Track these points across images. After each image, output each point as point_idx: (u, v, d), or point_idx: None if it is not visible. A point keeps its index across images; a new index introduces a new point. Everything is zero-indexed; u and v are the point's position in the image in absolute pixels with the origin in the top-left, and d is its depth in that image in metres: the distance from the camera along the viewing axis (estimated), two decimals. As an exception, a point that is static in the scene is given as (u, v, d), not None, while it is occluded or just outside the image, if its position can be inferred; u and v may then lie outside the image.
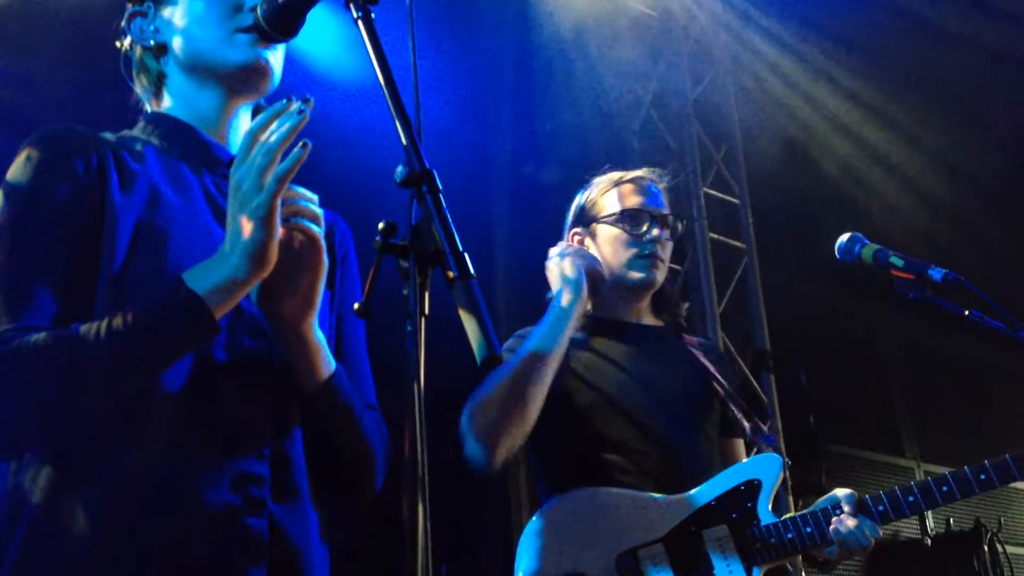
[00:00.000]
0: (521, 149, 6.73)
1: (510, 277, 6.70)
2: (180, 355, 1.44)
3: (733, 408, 2.64)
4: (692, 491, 2.47)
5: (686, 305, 2.86)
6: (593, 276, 2.62)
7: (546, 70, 6.34)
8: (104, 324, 1.38)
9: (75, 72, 4.72)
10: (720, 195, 6.56)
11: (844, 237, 2.61)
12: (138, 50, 1.77)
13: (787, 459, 2.53)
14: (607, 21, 6.29)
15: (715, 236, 6.40)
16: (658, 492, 2.46)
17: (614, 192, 2.74)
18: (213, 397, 1.49)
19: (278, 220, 1.41)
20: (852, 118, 6.76)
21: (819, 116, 6.74)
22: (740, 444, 2.74)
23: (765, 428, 2.63)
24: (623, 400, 2.54)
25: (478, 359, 1.08)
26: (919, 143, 6.89)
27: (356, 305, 1.19)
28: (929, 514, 7.94)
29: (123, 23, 1.79)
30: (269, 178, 1.38)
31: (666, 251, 2.71)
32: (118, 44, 1.81)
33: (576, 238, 2.76)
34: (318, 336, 1.55)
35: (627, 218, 2.68)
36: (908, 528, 7.85)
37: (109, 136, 1.64)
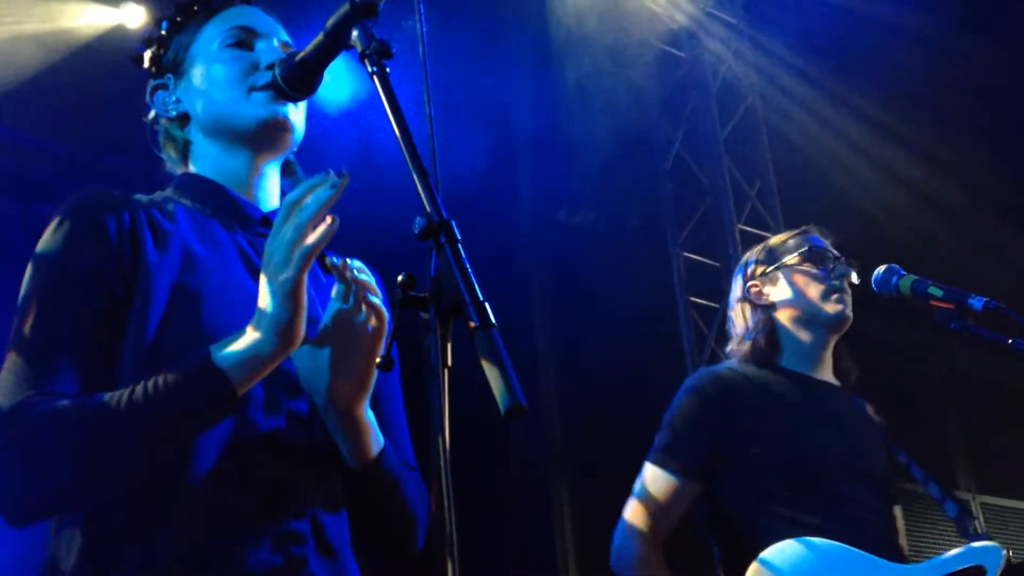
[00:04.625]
0: (552, 194, 6.75)
1: (548, 321, 6.68)
2: (203, 428, 1.43)
3: (917, 476, 2.61)
4: (915, 566, 2.40)
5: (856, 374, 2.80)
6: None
7: (573, 114, 6.38)
8: (127, 393, 1.38)
9: (106, 142, 4.82)
10: (756, 231, 6.51)
11: (880, 269, 2.57)
12: (163, 122, 1.81)
13: (1009, 552, 2.45)
14: (633, 63, 6.32)
15: (753, 272, 6.35)
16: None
17: (791, 242, 2.77)
18: (253, 458, 1.48)
19: (304, 296, 1.40)
20: (881, 148, 6.72)
21: (850, 148, 6.70)
22: (899, 511, 2.65)
23: (965, 512, 2.54)
24: (819, 459, 2.47)
25: (502, 410, 1.06)
26: (954, 172, 6.83)
27: (377, 359, 1.19)
28: None
29: (146, 98, 1.82)
30: (296, 254, 1.37)
31: (850, 290, 2.70)
32: (144, 119, 1.85)
33: (755, 288, 2.75)
34: (368, 416, 1.54)
35: (814, 255, 2.70)
36: None
37: (142, 198, 1.66)
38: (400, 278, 1.17)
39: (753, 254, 2.84)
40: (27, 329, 1.48)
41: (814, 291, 2.66)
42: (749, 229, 6.49)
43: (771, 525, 2.41)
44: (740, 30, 6.55)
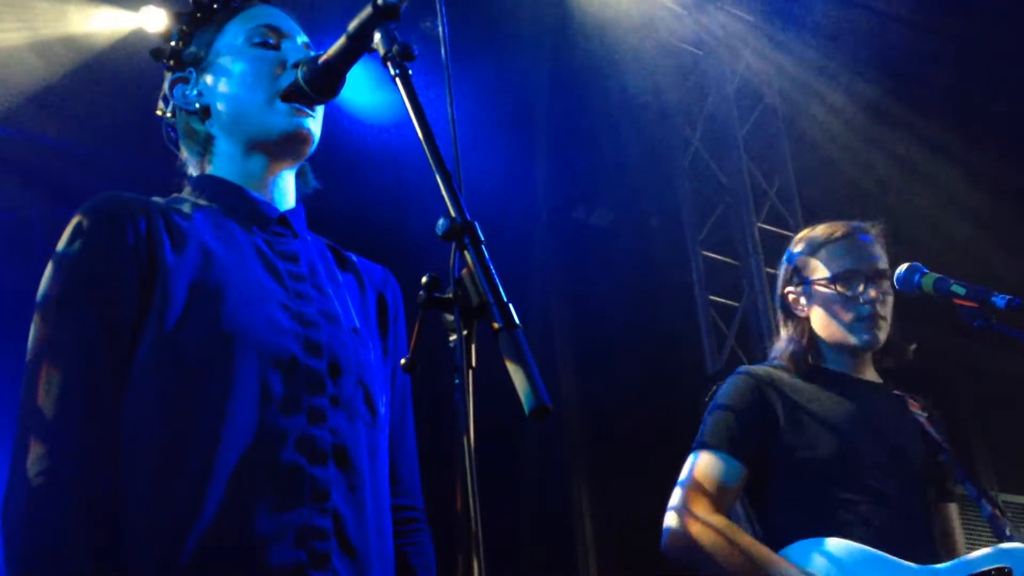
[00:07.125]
0: (569, 193, 6.75)
1: (566, 321, 6.68)
2: None
3: (957, 475, 2.57)
4: (940, 566, 2.38)
5: (911, 347, 2.76)
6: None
7: (591, 112, 6.37)
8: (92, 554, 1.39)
9: (126, 144, 4.86)
10: (775, 229, 6.49)
11: (903, 267, 2.55)
12: (182, 115, 1.80)
13: None
14: (651, 61, 6.32)
15: (772, 271, 6.33)
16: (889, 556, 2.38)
17: (823, 252, 2.65)
18: (273, 453, 1.49)
19: None
20: (901, 145, 6.68)
21: (869, 146, 6.67)
22: (954, 509, 2.65)
23: (1000, 513, 2.49)
24: (855, 458, 2.46)
25: (526, 410, 1.07)
26: (976, 169, 6.78)
27: (403, 361, 1.19)
28: None
29: (164, 90, 1.82)
30: None
31: (887, 307, 2.62)
32: (159, 112, 1.85)
33: (791, 296, 2.68)
34: None
35: (840, 280, 2.59)
36: None
37: (159, 200, 1.67)
38: (424, 279, 1.18)
39: (795, 248, 2.73)
40: (40, 356, 1.50)
41: (843, 317, 2.58)
42: (768, 228, 6.47)
43: (800, 521, 2.42)
44: (758, 27, 6.53)
